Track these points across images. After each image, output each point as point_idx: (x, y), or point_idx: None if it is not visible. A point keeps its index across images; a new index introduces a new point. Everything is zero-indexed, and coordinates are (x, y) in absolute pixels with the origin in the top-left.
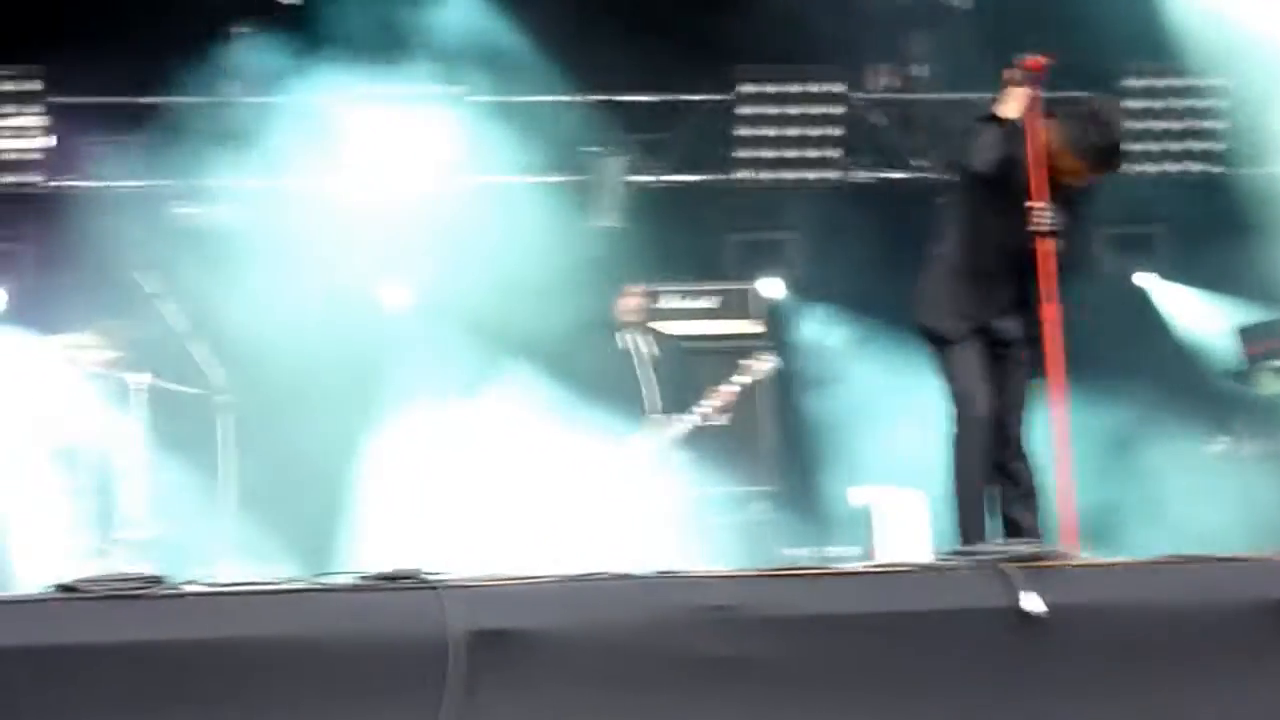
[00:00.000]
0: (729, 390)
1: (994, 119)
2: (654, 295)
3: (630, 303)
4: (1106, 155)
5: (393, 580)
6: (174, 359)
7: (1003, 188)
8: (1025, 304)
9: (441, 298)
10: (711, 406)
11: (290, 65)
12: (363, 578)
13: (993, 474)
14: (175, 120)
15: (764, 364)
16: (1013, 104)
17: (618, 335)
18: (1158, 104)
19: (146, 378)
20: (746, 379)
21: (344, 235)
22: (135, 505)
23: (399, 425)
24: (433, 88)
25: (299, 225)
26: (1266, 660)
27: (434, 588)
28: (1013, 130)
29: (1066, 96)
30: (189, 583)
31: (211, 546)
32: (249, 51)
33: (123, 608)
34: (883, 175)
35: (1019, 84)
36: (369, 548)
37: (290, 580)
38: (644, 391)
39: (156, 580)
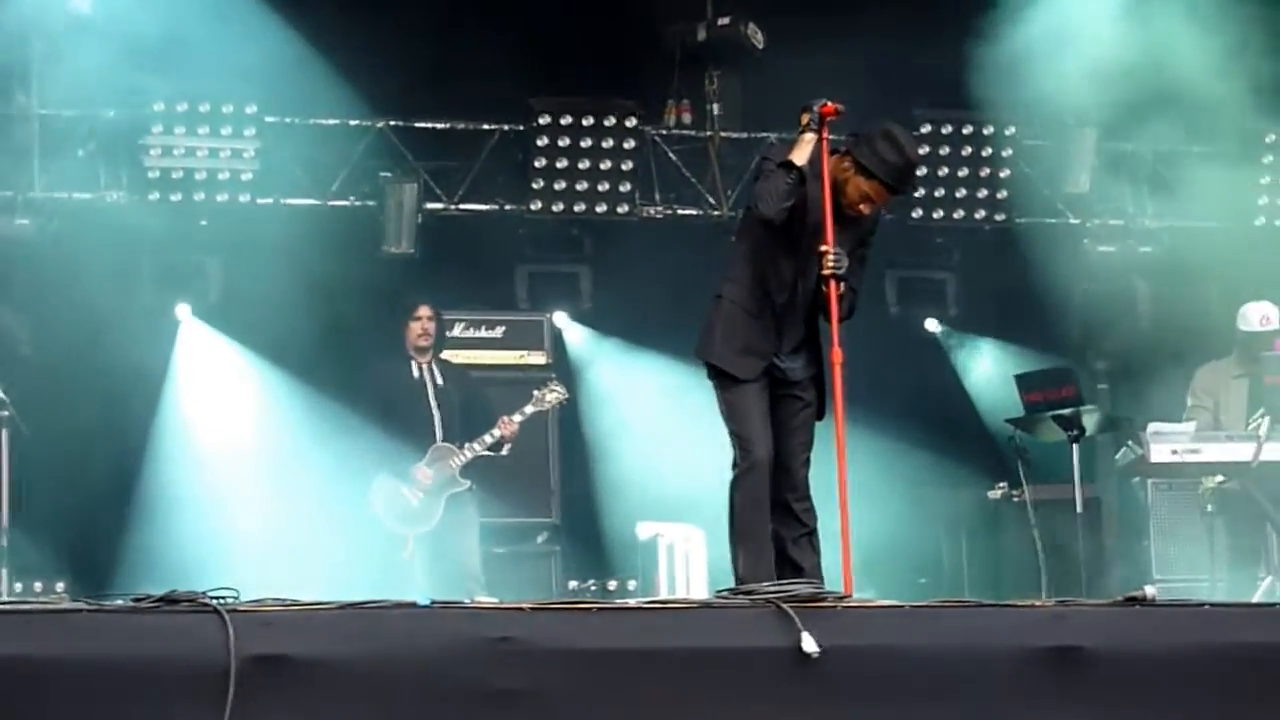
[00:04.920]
0: (516, 419)
1: (787, 164)
2: (445, 324)
3: (419, 330)
4: (899, 173)
5: (173, 603)
6: None
7: (794, 231)
8: (811, 345)
9: (229, 317)
10: (498, 436)
11: (86, 78)
12: (143, 599)
13: (775, 514)
14: None
15: (553, 394)
16: (805, 149)
17: (408, 363)
18: (949, 150)
19: None
20: (535, 408)
21: (133, 250)
22: None
23: (183, 444)
24: (227, 106)
25: (88, 238)
26: (1031, 707)
27: (217, 611)
28: (804, 175)
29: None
30: None
31: None
32: (45, 62)
33: None
34: (675, 210)
35: (812, 129)
36: (150, 568)
37: (68, 600)
38: (432, 419)
39: None
